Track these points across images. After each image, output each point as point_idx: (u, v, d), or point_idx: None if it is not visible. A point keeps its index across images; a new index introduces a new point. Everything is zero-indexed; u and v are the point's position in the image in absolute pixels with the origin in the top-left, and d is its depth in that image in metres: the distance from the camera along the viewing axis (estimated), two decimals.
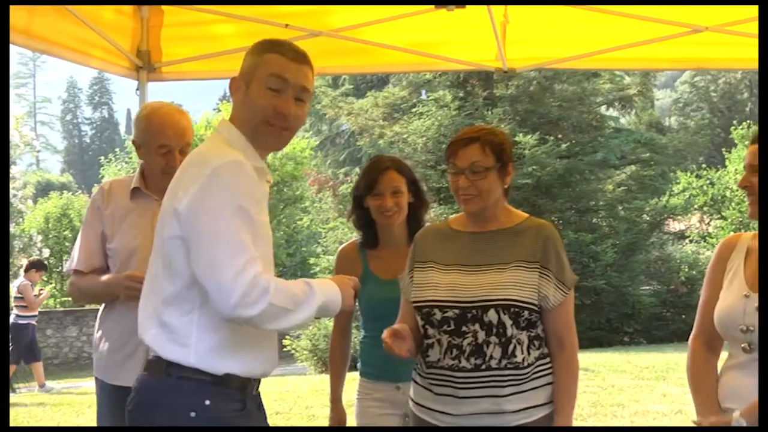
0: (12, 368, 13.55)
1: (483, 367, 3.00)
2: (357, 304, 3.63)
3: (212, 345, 2.61)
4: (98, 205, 3.78)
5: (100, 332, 3.79)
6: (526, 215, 3.23)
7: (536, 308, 3.04)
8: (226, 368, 2.62)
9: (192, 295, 2.58)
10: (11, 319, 13.38)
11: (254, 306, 2.46)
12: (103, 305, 3.82)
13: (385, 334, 2.95)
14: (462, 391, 3.03)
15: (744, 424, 2.83)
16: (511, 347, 3.00)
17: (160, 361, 2.64)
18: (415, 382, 3.22)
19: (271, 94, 2.70)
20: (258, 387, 2.81)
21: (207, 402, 2.59)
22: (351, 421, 3.97)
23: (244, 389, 2.69)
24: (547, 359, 3.10)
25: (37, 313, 14.10)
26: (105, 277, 3.68)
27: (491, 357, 3.00)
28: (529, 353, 3.04)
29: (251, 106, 2.71)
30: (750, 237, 3.12)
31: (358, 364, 3.95)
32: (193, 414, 2.58)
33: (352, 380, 3.98)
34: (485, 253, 3.12)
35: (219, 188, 2.53)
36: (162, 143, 3.66)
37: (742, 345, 3.00)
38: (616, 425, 8.10)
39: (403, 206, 3.82)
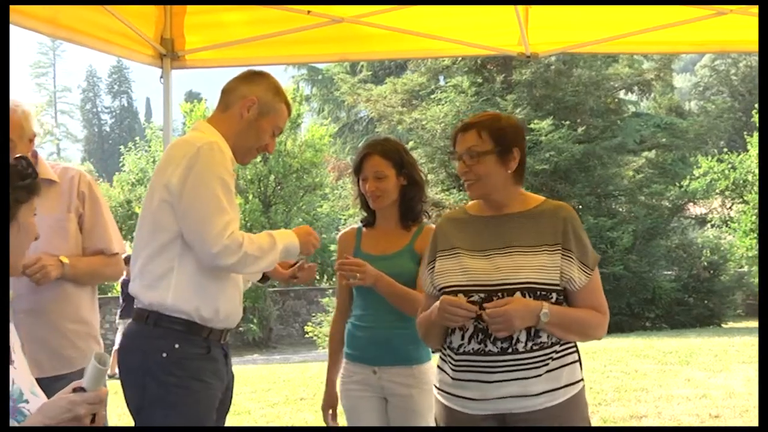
0: None
1: (510, 350, 3.01)
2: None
3: (186, 289, 3.16)
4: None
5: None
6: (544, 198, 3.23)
7: (561, 290, 3.05)
8: (196, 311, 3.17)
9: (173, 247, 3.17)
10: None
11: (233, 255, 3.10)
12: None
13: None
14: (489, 375, 3.03)
15: None
16: (534, 328, 3.01)
17: (141, 310, 3.22)
18: (440, 368, 3.22)
19: (271, 137, 3.41)
20: (225, 337, 3.35)
21: (176, 345, 3.15)
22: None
23: (208, 337, 3.23)
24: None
25: None
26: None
27: (518, 340, 3.01)
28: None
29: (256, 133, 3.36)
30: None
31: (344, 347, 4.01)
32: (164, 354, 3.14)
33: None
34: (503, 236, 3.13)
35: (204, 162, 3.13)
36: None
37: None
38: (641, 409, 8.09)
39: (387, 190, 3.85)
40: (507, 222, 3.15)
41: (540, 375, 3.00)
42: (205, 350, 3.22)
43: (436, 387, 3.24)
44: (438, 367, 3.25)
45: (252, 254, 3.14)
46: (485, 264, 3.10)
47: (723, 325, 20.75)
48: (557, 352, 3.05)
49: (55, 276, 3.54)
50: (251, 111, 3.30)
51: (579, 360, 3.14)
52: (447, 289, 3.12)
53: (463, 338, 3.08)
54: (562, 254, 3.04)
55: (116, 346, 14.12)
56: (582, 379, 3.14)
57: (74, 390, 2.15)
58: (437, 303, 3.05)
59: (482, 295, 3.04)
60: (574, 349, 3.13)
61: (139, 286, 3.24)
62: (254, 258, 3.16)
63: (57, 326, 3.67)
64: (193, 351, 3.19)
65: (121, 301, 15.78)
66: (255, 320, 23.37)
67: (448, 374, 3.14)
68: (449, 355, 3.15)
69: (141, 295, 3.23)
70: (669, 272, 21.94)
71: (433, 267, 3.23)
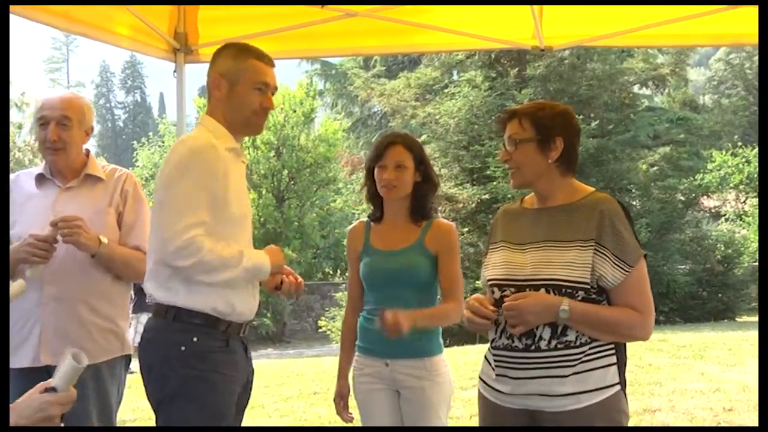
0: None
1: (533, 347, 2.97)
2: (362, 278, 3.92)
3: (198, 290, 3.17)
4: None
5: None
6: (591, 190, 3.13)
7: (593, 288, 2.95)
8: (209, 307, 3.19)
9: None
10: None
11: (188, 258, 3.07)
12: None
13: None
14: (515, 371, 3.01)
15: None
16: (560, 327, 2.95)
17: (159, 305, 3.25)
18: (485, 358, 3.22)
19: (258, 94, 3.34)
20: (245, 330, 3.38)
21: (195, 339, 3.19)
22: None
23: (227, 330, 3.26)
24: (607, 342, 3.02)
25: None
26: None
27: (540, 338, 2.96)
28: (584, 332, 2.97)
29: (239, 102, 3.33)
30: None
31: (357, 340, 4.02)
32: (183, 348, 3.18)
33: None
34: (541, 230, 3.08)
35: (184, 163, 3.13)
36: (39, 115, 3.78)
37: None
38: (654, 403, 8.07)
39: (405, 182, 3.84)
40: (548, 215, 3.10)
41: (566, 376, 2.94)
42: (224, 343, 3.25)
43: (479, 376, 3.25)
44: (484, 357, 3.23)
45: (209, 262, 3.10)
46: (521, 258, 3.08)
47: (737, 319, 20.66)
48: (587, 354, 2.97)
49: (83, 243, 3.59)
50: (222, 88, 3.34)
51: (617, 364, 3.02)
52: (489, 282, 3.13)
53: (495, 332, 3.08)
54: (596, 250, 2.94)
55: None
56: (617, 384, 3.01)
57: (45, 390, 2.17)
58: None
59: (513, 289, 3.01)
60: (612, 352, 3.01)
61: (152, 286, 3.28)
62: (211, 267, 3.12)
63: (80, 316, 3.70)
64: (213, 344, 3.22)
65: (132, 295, 15.86)
66: (269, 315, 23.41)
67: (490, 365, 3.15)
68: (489, 348, 3.16)
69: (155, 293, 3.27)
70: (683, 266, 21.84)
71: (485, 260, 3.24)
